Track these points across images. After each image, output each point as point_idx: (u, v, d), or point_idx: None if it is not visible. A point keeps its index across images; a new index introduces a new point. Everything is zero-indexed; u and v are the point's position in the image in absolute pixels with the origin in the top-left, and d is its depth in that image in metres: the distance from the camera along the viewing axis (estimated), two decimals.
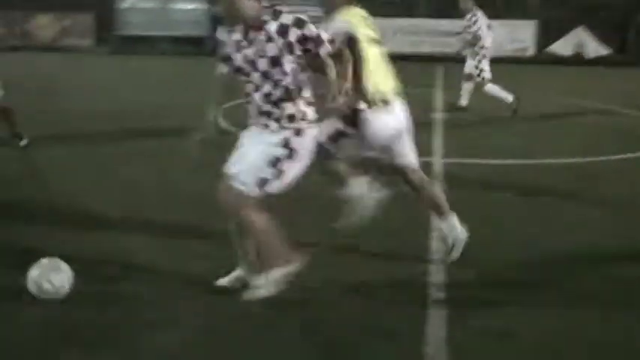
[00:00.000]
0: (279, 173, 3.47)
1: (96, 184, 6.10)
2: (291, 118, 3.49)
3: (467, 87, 10.68)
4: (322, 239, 4.58)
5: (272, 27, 3.39)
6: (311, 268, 3.75)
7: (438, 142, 8.23)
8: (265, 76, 3.45)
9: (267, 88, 3.47)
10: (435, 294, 3.88)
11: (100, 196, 5.65)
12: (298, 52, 3.41)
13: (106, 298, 3.73)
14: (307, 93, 3.55)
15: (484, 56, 10.48)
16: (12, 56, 16.51)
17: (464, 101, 10.69)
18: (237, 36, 3.51)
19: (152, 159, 7.16)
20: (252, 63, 3.46)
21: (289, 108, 3.48)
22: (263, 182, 3.45)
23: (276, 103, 3.48)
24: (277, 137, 3.48)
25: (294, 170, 3.52)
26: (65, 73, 15.16)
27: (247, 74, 3.51)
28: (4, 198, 5.73)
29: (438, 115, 10.12)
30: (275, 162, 3.46)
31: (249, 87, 3.53)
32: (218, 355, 3.24)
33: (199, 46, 22.35)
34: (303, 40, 3.40)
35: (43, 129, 8.48)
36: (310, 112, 3.57)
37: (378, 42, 4.31)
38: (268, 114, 3.50)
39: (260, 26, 3.40)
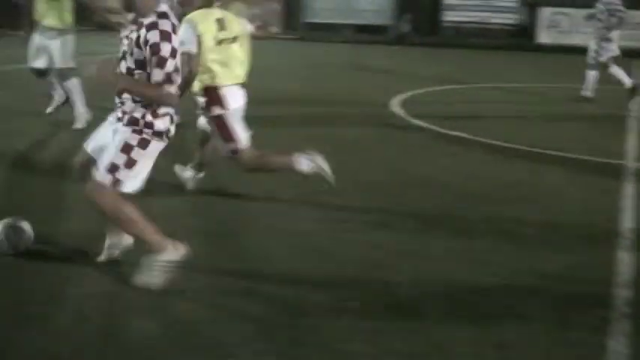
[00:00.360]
0: (131, 162, 3.43)
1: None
2: (137, 119, 3.48)
3: (616, 70, 10.44)
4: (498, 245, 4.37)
5: (149, 31, 3.36)
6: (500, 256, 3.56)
7: (632, 143, 7.62)
8: (129, 73, 3.46)
9: None
10: (621, 307, 3.57)
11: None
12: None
13: None
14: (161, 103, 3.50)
15: (609, 40, 10.43)
16: None
17: (627, 81, 10.24)
18: (132, 22, 3.54)
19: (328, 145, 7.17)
20: (124, 55, 3.48)
21: (140, 109, 3.47)
22: (114, 168, 3.42)
23: (134, 100, 3.48)
24: (129, 127, 3.48)
25: (145, 163, 3.50)
26: (253, 58, 15.77)
27: (120, 60, 3.51)
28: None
29: (633, 114, 9.44)
30: (126, 148, 3.44)
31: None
32: None
33: (382, 35, 22.51)
34: (152, 54, 3.36)
35: None
36: (160, 122, 3.50)
37: (232, 39, 5.01)
38: (123, 105, 3.51)
39: (145, 24, 3.40)
